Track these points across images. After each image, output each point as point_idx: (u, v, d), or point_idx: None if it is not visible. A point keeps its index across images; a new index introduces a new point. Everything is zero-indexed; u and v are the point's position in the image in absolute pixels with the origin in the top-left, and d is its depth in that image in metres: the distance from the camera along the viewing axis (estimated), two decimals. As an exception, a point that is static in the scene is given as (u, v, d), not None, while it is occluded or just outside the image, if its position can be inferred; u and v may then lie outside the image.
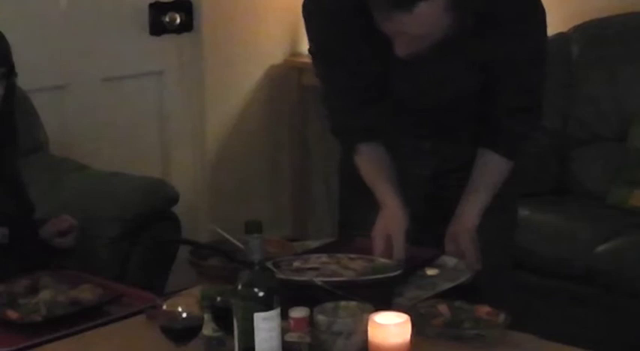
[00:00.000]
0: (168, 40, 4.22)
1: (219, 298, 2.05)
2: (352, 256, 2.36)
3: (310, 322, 2.08)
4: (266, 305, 1.92)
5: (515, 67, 2.43)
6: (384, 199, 2.47)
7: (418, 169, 2.61)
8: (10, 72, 2.60)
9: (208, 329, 2.08)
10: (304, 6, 2.48)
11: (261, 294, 1.91)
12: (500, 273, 2.62)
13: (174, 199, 3.43)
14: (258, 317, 1.91)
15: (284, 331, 2.01)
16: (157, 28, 4.17)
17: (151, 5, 4.16)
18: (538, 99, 2.50)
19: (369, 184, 2.51)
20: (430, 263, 2.41)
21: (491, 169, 2.48)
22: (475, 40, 2.36)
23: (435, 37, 2.26)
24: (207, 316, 2.06)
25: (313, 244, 2.53)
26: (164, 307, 2.03)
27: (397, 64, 2.39)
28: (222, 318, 2.03)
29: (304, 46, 4.58)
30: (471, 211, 2.46)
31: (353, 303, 2.11)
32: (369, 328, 2.02)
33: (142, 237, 3.34)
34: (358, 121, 2.51)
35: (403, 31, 2.25)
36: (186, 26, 4.24)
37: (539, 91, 2.50)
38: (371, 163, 2.52)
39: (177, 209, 3.45)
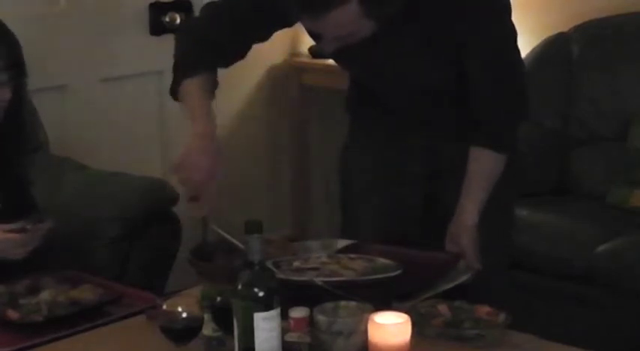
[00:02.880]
0: (168, 40, 4.18)
1: (219, 298, 2.05)
2: (352, 256, 2.36)
3: (310, 322, 2.08)
4: (266, 305, 1.92)
5: (479, 56, 2.39)
6: (198, 126, 2.36)
7: (413, 167, 2.61)
8: (19, 75, 2.61)
9: (208, 329, 2.08)
10: None
11: (261, 294, 1.91)
12: (498, 273, 2.62)
13: (174, 199, 3.43)
14: (258, 317, 1.91)
15: (284, 331, 2.01)
16: (157, 28, 4.17)
17: (151, 5, 4.16)
18: (517, 86, 2.46)
19: (188, 106, 2.41)
20: (451, 266, 2.40)
21: (483, 165, 2.46)
22: (423, 30, 2.36)
23: (361, 35, 2.28)
24: (207, 316, 2.06)
25: (313, 244, 2.53)
26: (164, 307, 2.03)
27: (360, 63, 2.45)
28: (222, 318, 2.03)
29: (304, 46, 4.59)
30: (469, 209, 2.45)
31: (353, 303, 2.11)
32: (369, 328, 2.02)
33: (142, 237, 3.34)
34: (216, 44, 2.42)
35: (321, 33, 2.28)
36: (186, 26, 4.24)
37: (515, 77, 2.46)
38: (202, 92, 2.40)
39: (177, 209, 3.45)
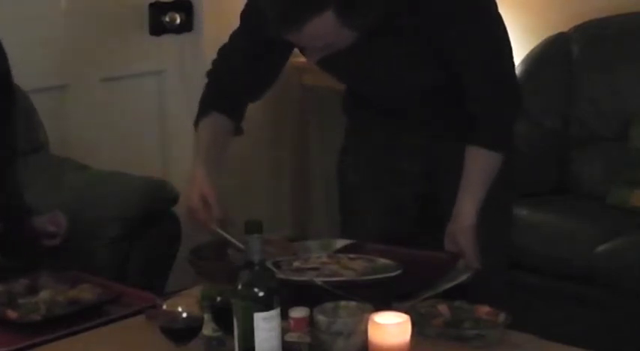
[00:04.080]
0: (168, 40, 4.22)
1: (219, 298, 2.05)
2: (352, 256, 2.36)
3: (310, 322, 2.08)
4: (266, 305, 1.92)
5: (465, 57, 2.39)
6: (195, 169, 2.51)
7: (411, 167, 2.61)
8: (7, 95, 2.63)
9: (208, 329, 2.08)
10: None
11: (261, 294, 1.91)
12: (497, 273, 2.62)
13: (174, 199, 3.44)
14: (258, 317, 1.91)
15: (284, 331, 2.01)
16: (157, 28, 4.17)
17: (151, 5, 4.16)
18: (507, 84, 2.46)
19: (197, 148, 2.57)
20: (451, 266, 2.40)
21: (480, 164, 2.46)
22: (407, 32, 2.37)
23: (342, 44, 2.28)
24: (207, 316, 2.06)
25: (313, 244, 2.53)
26: (164, 307, 2.03)
27: (351, 69, 2.46)
28: (222, 318, 2.03)
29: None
30: (467, 209, 2.45)
31: (353, 303, 2.11)
32: (369, 328, 2.01)
33: (142, 237, 3.34)
34: (230, 87, 2.56)
35: (302, 45, 2.30)
36: (186, 26, 4.24)
37: (506, 75, 2.46)
38: (207, 133, 2.56)
39: (177, 209, 3.45)
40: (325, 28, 2.21)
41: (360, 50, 2.33)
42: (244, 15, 2.54)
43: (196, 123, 2.57)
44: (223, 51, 2.60)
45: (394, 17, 2.32)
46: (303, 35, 2.22)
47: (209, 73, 2.60)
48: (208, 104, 2.57)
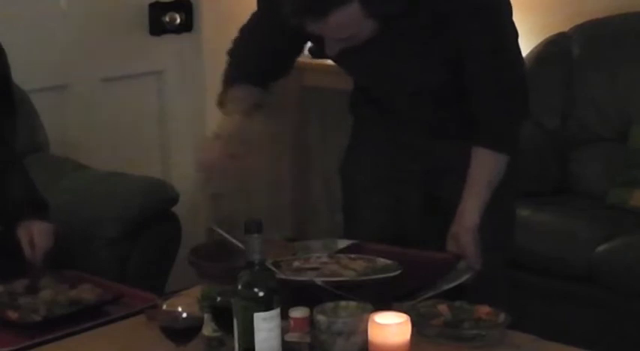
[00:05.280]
0: (168, 40, 4.22)
1: (219, 298, 2.05)
2: (352, 256, 2.36)
3: (310, 322, 2.08)
4: (266, 305, 1.92)
5: (476, 57, 2.39)
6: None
7: (413, 166, 2.62)
8: (6, 95, 2.63)
9: (208, 329, 2.09)
10: None
11: (261, 294, 1.91)
12: (498, 273, 2.62)
13: (174, 199, 3.43)
14: (258, 317, 1.91)
15: (284, 331, 2.01)
16: (157, 28, 4.17)
17: (151, 5, 4.16)
18: (516, 86, 2.46)
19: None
20: (452, 267, 2.40)
21: (485, 165, 2.46)
22: (422, 31, 2.37)
23: (363, 36, 2.30)
24: (207, 316, 2.06)
25: (315, 244, 2.53)
26: (164, 307, 2.03)
27: (361, 65, 2.47)
28: (222, 318, 2.03)
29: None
30: (470, 210, 2.45)
31: (353, 303, 2.11)
32: (369, 328, 2.02)
33: (142, 237, 3.34)
34: (251, 61, 2.55)
35: (324, 35, 2.29)
36: (186, 26, 4.24)
37: (513, 77, 2.45)
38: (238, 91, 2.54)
39: (177, 209, 3.45)
40: (350, 19, 2.22)
41: (373, 47, 2.33)
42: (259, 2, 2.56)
43: (220, 101, 2.53)
44: (243, 29, 2.61)
45: (396, 17, 2.32)
46: (327, 26, 2.23)
47: (230, 51, 2.60)
48: (231, 78, 2.54)
